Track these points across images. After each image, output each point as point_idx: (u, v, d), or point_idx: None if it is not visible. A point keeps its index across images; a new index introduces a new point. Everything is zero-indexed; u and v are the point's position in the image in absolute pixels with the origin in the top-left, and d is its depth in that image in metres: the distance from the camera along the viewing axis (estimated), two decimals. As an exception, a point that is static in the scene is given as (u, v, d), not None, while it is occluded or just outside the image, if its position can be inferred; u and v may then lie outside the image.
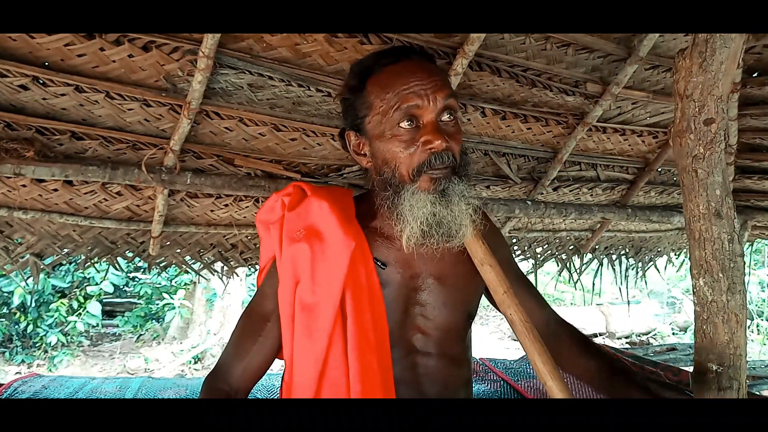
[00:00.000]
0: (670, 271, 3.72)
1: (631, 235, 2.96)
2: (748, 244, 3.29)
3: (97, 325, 7.36)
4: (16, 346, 6.78)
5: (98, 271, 6.15)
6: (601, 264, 3.07)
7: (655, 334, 8.44)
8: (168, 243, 1.99)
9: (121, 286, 7.99)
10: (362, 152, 1.07)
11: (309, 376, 0.96)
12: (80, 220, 1.74)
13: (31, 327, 6.62)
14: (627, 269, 3.14)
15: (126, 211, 1.81)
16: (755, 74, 2.18)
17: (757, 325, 7.84)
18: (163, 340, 7.63)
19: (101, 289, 6.93)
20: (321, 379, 0.96)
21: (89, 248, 1.86)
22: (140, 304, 7.98)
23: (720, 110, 1.01)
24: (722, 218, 1.02)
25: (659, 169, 2.53)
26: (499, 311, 1.07)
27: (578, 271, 2.92)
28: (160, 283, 7.75)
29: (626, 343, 8.02)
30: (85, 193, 1.71)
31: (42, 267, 1.84)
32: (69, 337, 6.94)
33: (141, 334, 7.80)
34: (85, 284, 6.98)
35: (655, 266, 3.30)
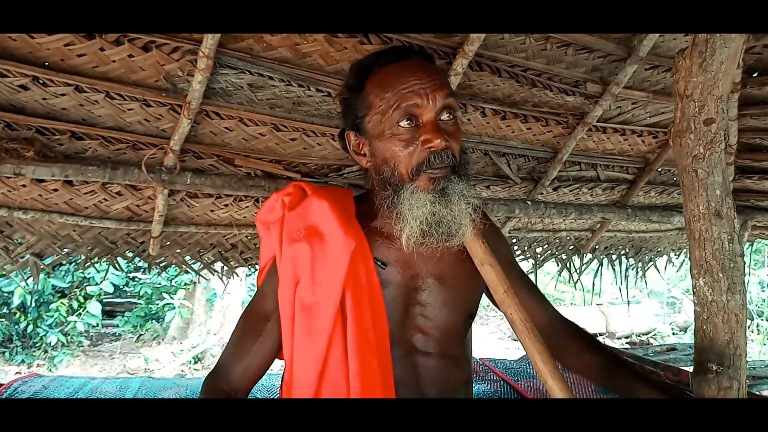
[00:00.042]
0: (670, 271, 3.72)
1: (631, 235, 2.96)
2: (748, 244, 3.29)
3: (97, 325, 7.36)
4: (16, 346, 6.78)
5: (98, 271, 6.15)
6: (601, 264, 3.07)
7: (655, 334, 8.44)
8: (168, 243, 1.99)
9: (121, 286, 7.99)
10: (362, 152, 1.07)
11: (309, 376, 0.96)
12: (80, 220, 1.74)
13: (31, 327, 6.62)
14: (627, 269, 3.14)
15: (126, 211, 1.81)
16: (755, 74, 2.18)
17: (757, 325, 7.84)
18: (163, 340, 7.63)
19: (101, 289, 6.93)
20: (321, 379, 0.96)
21: (89, 248, 1.86)
22: (140, 304, 7.98)
23: (720, 110, 1.01)
24: (722, 218, 1.02)
25: (659, 169, 2.53)
26: (500, 310, 1.07)
27: (578, 271, 2.92)
28: (160, 283, 7.75)
29: (626, 343, 8.03)
30: (85, 193, 1.71)
31: (42, 267, 1.84)
32: (69, 337, 6.94)
33: (141, 334, 7.80)
34: (85, 284, 6.98)
35: (655, 266, 3.29)
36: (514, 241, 2.63)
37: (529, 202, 2.31)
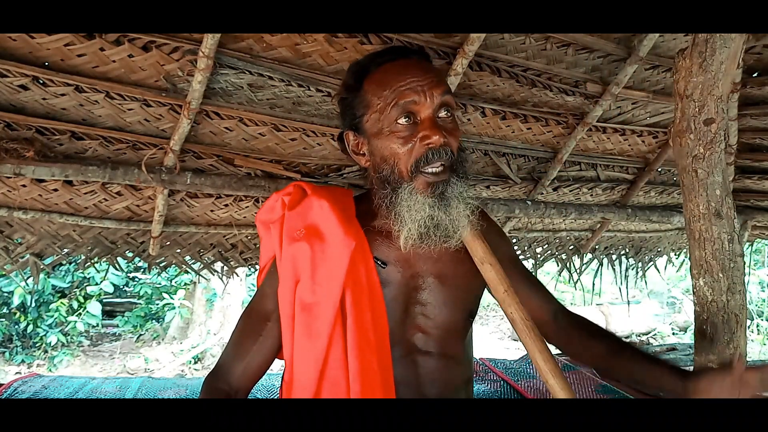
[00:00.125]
0: (670, 271, 3.72)
1: (631, 235, 2.96)
2: (748, 244, 3.29)
3: (97, 325, 7.36)
4: (16, 346, 6.77)
5: (98, 271, 6.15)
6: (601, 264, 3.07)
7: (655, 334, 8.43)
8: (168, 243, 1.99)
9: (121, 286, 7.99)
10: (361, 151, 1.07)
11: (309, 375, 0.96)
12: (80, 220, 1.74)
13: (31, 327, 6.62)
14: (627, 269, 3.14)
15: (126, 211, 1.81)
16: (755, 74, 2.18)
17: (757, 325, 7.83)
18: (163, 340, 7.63)
19: (101, 289, 6.92)
20: (321, 379, 0.95)
21: (89, 248, 1.86)
22: (140, 304, 7.98)
23: (720, 110, 1.01)
24: (722, 218, 1.02)
25: (659, 169, 2.53)
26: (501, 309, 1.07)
27: (578, 271, 2.92)
28: (160, 283, 7.74)
29: (626, 343, 8.00)
30: (85, 193, 1.71)
31: (42, 267, 1.84)
32: (69, 337, 6.93)
33: (141, 334, 7.79)
34: (85, 284, 6.97)
35: (655, 266, 3.29)
36: (514, 241, 2.63)
37: (529, 202, 2.31)
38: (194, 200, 1.86)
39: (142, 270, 7.60)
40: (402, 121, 0.97)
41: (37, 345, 6.79)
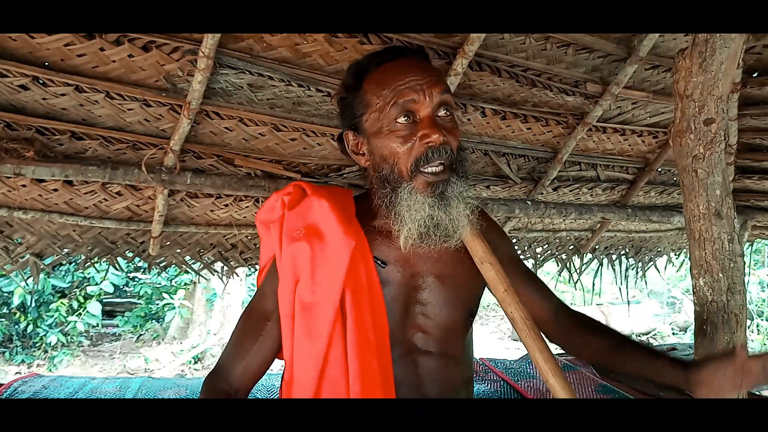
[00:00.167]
0: (670, 271, 3.72)
1: (631, 235, 2.96)
2: (748, 244, 3.29)
3: (97, 325, 7.36)
4: (16, 346, 6.77)
5: (98, 271, 6.15)
6: (601, 264, 3.07)
7: (655, 334, 8.44)
8: (168, 243, 1.99)
9: (121, 286, 7.99)
10: (361, 151, 1.07)
11: (309, 375, 0.96)
12: (80, 220, 1.74)
13: (31, 327, 6.62)
14: (627, 269, 3.14)
15: (126, 211, 1.81)
16: (755, 74, 2.18)
17: (757, 325, 7.83)
18: (163, 340, 7.63)
19: (101, 289, 6.92)
20: (321, 379, 0.95)
21: (89, 248, 1.86)
22: (140, 304, 7.98)
23: (720, 110, 1.01)
24: (722, 218, 1.02)
25: (659, 169, 2.53)
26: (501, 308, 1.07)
27: (578, 271, 2.92)
28: (160, 283, 7.74)
29: (626, 343, 8.00)
30: (85, 193, 1.71)
31: (42, 267, 1.84)
32: (69, 337, 6.93)
33: (141, 334, 7.79)
34: (85, 284, 6.98)
35: (655, 266, 3.30)
36: (514, 240, 2.63)
37: (529, 202, 2.31)
38: (194, 200, 1.86)
39: (142, 270, 7.60)
40: (401, 120, 0.97)
41: (37, 345, 6.79)
